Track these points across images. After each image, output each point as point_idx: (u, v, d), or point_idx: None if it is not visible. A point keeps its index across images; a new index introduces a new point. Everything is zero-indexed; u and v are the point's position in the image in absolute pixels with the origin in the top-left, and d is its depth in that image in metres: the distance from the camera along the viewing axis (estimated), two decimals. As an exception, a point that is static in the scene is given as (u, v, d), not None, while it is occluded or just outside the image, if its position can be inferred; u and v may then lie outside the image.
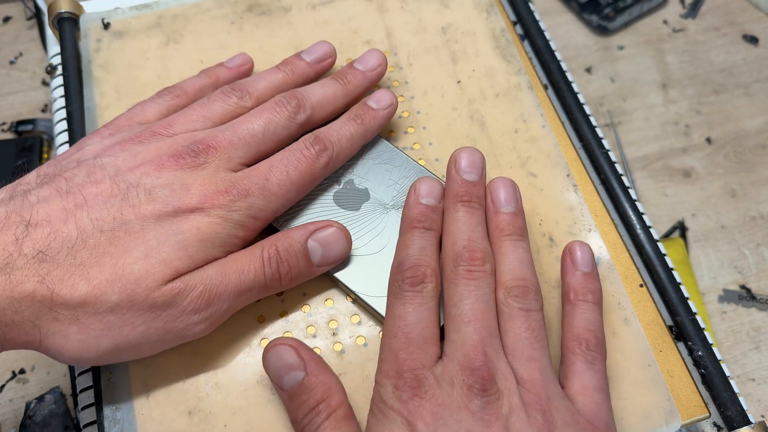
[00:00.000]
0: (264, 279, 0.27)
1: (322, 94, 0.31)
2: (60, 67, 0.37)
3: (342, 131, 0.31)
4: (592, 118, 0.37)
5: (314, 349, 0.29)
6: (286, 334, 0.29)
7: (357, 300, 0.30)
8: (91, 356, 0.25)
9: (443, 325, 0.27)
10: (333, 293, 0.30)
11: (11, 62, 0.55)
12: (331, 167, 0.30)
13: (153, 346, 0.26)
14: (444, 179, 0.33)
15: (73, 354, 0.24)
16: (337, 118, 0.32)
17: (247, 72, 0.35)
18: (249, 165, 0.29)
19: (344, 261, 0.30)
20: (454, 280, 0.27)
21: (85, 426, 0.28)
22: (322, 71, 0.34)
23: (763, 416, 0.42)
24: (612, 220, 0.33)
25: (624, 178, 0.35)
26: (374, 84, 0.34)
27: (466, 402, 0.24)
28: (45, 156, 0.54)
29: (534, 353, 0.26)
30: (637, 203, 0.34)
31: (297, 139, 0.30)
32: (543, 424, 0.24)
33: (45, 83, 0.54)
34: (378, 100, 0.32)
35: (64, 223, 0.25)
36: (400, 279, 0.27)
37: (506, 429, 0.24)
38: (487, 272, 0.27)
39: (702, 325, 0.31)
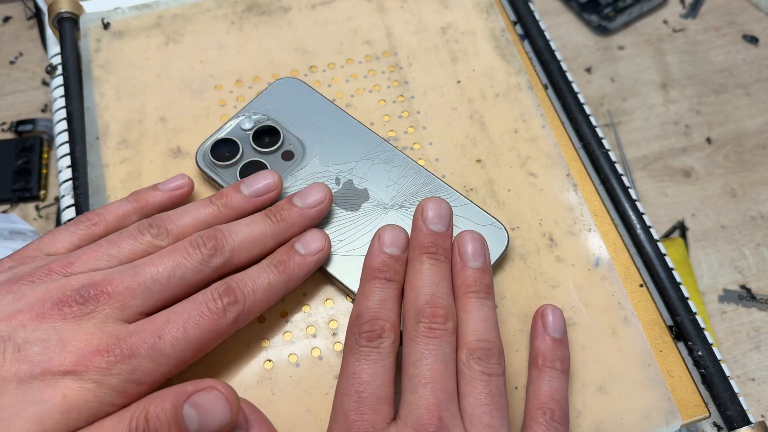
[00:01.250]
0: None
1: (247, 233, 0.28)
2: (60, 67, 0.37)
3: (259, 280, 0.27)
4: (592, 118, 0.37)
5: (314, 350, 0.29)
6: (286, 335, 0.29)
7: (357, 300, 0.30)
8: None
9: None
10: (333, 293, 0.30)
11: (11, 62, 0.55)
12: (241, 322, 0.26)
13: None
14: (444, 179, 0.33)
15: None
16: (258, 263, 0.28)
17: (183, 197, 0.31)
18: (149, 314, 0.26)
19: (344, 261, 0.30)
20: (414, 338, 0.25)
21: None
22: (261, 207, 0.30)
23: (763, 416, 0.42)
24: (612, 220, 0.33)
25: (624, 178, 0.35)
26: (313, 223, 0.30)
27: None
28: (45, 156, 0.54)
29: (493, 422, 0.24)
30: (637, 203, 0.34)
31: (210, 283, 0.27)
32: None
33: (45, 83, 0.54)
34: (307, 244, 0.29)
35: None
36: (357, 333, 0.26)
37: None
38: (449, 331, 0.26)
39: (702, 325, 0.31)
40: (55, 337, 0.24)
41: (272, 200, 0.30)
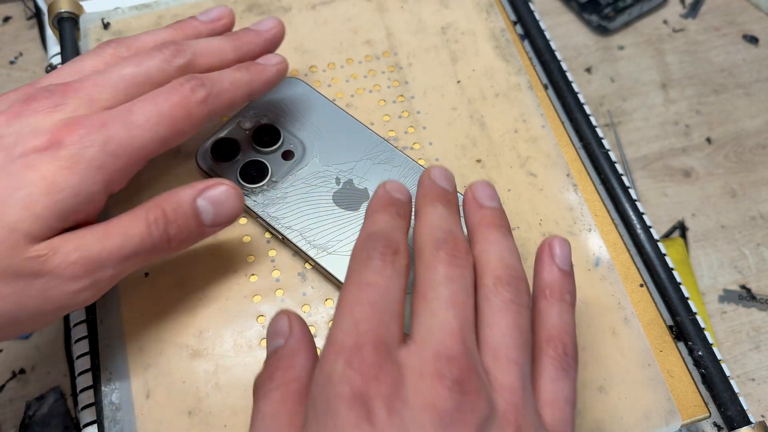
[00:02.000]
0: (151, 242, 0.25)
1: (206, 43, 0.29)
2: (60, 67, 0.37)
3: (224, 74, 0.28)
4: (592, 118, 0.37)
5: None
6: (286, 334, 0.29)
7: (357, 300, 0.30)
8: None
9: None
10: (333, 293, 0.30)
11: (11, 62, 0.55)
12: (211, 107, 0.27)
13: (33, 318, 0.24)
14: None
15: None
16: None
17: (224, 27, 0.31)
18: None
19: (344, 261, 0.30)
20: (434, 265, 0.23)
21: (85, 426, 0.28)
22: (216, 31, 0.31)
23: (763, 416, 0.42)
24: (612, 220, 0.33)
25: (624, 178, 0.35)
26: (270, 45, 0.31)
27: (435, 397, 0.20)
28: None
29: (519, 358, 0.22)
30: (637, 203, 0.34)
31: None
32: None
33: (45, 83, 0.54)
34: (266, 59, 0.30)
35: None
36: (370, 247, 0.23)
37: None
38: (471, 264, 0.24)
39: (702, 325, 0.31)
40: (27, 129, 0.24)
41: (227, 26, 0.31)
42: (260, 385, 0.23)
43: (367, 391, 0.19)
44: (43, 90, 0.25)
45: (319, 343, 0.29)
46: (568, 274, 0.26)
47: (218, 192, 0.26)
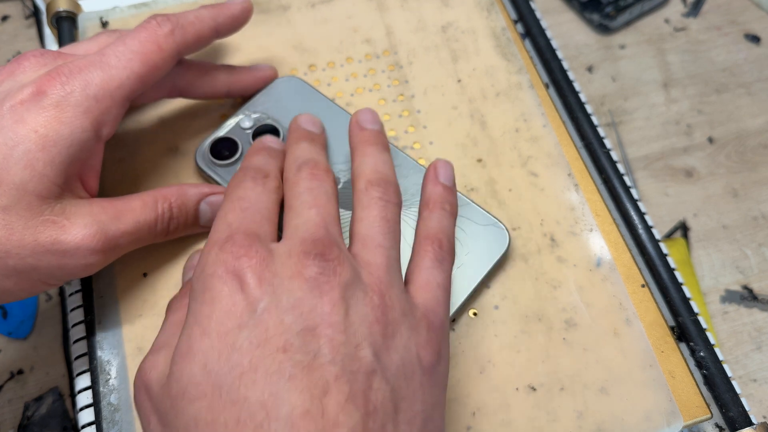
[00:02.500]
0: (155, 232, 0.28)
1: (188, 12, 0.30)
2: (58, 66, 0.37)
3: (188, 11, 0.30)
4: (593, 118, 0.36)
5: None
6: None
7: (357, 300, 0.30)
8: None
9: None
10: (332, 293, 0.30)
11: (9, 61, 0.55)
12: (179, 39, 0.28)
13: (44, 281, 0.26)
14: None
15: None
16: None
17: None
18: None
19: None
20: (296, 181, 0.26)
21: (84, 426, 0.28)
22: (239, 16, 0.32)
23: (765, 417, 0.41)
24: (613, 219, 0.33)
25: (625, 178, 0.35)
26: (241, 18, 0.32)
27: (300, 268, 0.22)
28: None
29: (384, 242, 0.25)
30: (638, 203, 0.34)
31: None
32: (379, 306, 0.22)
33: (44, 82, 0.54)
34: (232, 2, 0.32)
35: None
36: (241, 173, 0.26)
37: (342, 300, 0.22)
38: (331, 178, 0.26)
39: (704, 325, 0.31)
40: (16, 85, 0.25)
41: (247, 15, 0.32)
42: (171, 304, 0.26)
43: (238, 266, 0.22)
44: (33, 51, 0.27)
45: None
46: (449, 188, 0.29)
47: (220, 200, 0.29)
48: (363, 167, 0.28)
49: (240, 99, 0.35)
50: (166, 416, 0.21)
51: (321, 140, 0.30)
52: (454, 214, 0.28)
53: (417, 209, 0.31)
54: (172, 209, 0.28)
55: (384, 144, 0.29)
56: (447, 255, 0.26)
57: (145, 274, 0.30)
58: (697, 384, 0.29)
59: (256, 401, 0.19)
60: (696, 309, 0.31)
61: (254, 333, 0.20)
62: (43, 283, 0.26)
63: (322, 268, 0.22)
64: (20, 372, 0.41)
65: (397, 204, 0.26)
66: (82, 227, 0.25)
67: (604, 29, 0.57)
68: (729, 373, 0.30)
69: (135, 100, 0.29)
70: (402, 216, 0.31)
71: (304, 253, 0.22)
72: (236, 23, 0.32)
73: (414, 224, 0.31)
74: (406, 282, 0.25)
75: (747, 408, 0.30)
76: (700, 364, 0.30)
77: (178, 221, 0.29)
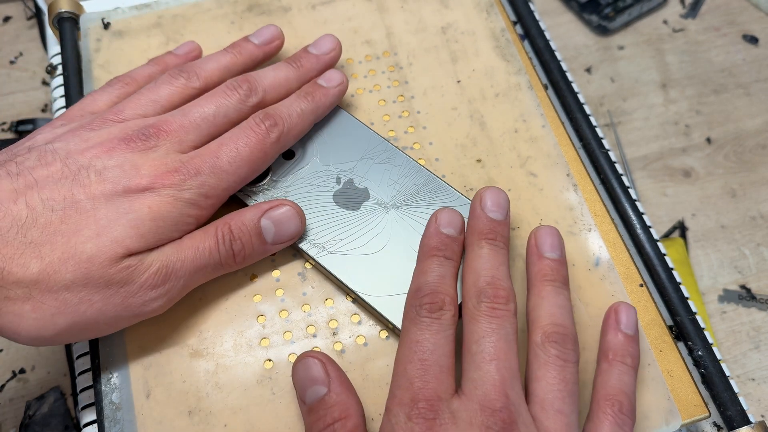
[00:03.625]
0: (219, 257, 0.28)
1: (274, 77, 0.32)
2: (60, 67, 0.37)
3: (292, 107, 0.31)
4: (592, 118, 0.37)
5: (314, 349, 0.29)
6: (286, 335, 0.29)
7: (357, 300, 0.30)
8: (48, 334, 0.25)
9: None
10: (333, 293, 0.30)
11: (11, 62, 0.55)
12: (283, 143, 0.30)
13: (110, 323, 0.26)
14: (444, 178, 0.33)
15: (30, 333, 0.25)
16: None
17: (196, 59, 0.34)
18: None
19: (345, 260, 0.30)
20: (476, 317, 0.26)
21: (86, 425, 0.28)
22: (270, 53, 0.34)
23: (762, 416, 0.42)
24: (612, 219, 0.33)
25: (624, 178, 0.35)
26: (328, 68, 0.34)
27: None
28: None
29: (564, 407, 0.25)
30: (637, 203, 0.34)
31: None
32: None
33: (45, 83, 0.54)
34: (328, 80, 0.33)
35: (14, 203, 0.25)
36: (417, 304, 0.26)
37: None
38: (511, 312, 0.26)
39: (702, 324, 0.31)
40: (128, 164, 0.27)
41: (279, 48, 0.34)
42: None
43: None
44: (139, 133, 0.28)
45: (320, 342, 0.29)
46: (632, 338, 0.28)
47: (280, 212, 0.29)
48: (539, 312, 0.27)
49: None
50: None
51: (505, 237, 0.29)
52: (635, 368, 0.28)
53: (417, 209, 0.31)
54: (232, 231, 0.28)
55: (563, 279, 0.28)
56: (628, 418, 0.26)
57: (146, 274, 0.30)
58: (695, 383, 0.30)
59: None
60: (694, 308, 0.32)
61: None
62: (109, 326, 0.27)
63: None
64: (22, 371, 0.41)
65: (575, 362, 0.26)
66: (147, 265, 0.26)
67: (602, 30, 0.57)
68: (727, 372, 0.30)
69: None
70: (402, 216, 0.31)
71: (485, 428, 0.23)
72: (333, 107, 0.33)
73: (414, 224, 0.31)
74: None
75: (745, 407, 0.30)
76: (698, 363, 0.31)
77: (242, 241, 0.28)
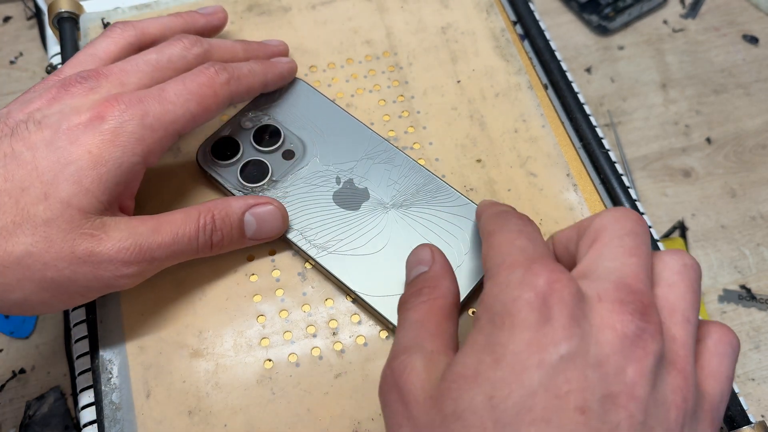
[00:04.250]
0: (197, 245, 0.28)
1: (220, 41, 0.32)
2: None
3: (241, 64, 0.31)
4: (592, 118, 0.37)
5: (314, 349, 0.29)
6: (286, 334, 0.29)
7: (357, 300, 0.30)
8: (16, 297, 0.25)
9: None
10: (333, 293, 0.30)
11: (11, 62, 0.55)
12: (233, 89, 0.30)
13: (81, 293, 0.26)
14: (444, 178, 0.33)
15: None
16: None
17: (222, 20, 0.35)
18: None
19: (344, 261, 0.30)
20: (617, 217, 0.23)
21: (85, 425, 0.28)
22: (213, 23, 0.34)
23: (763, 416, 0.42)
24: (612, 219, 0.33)
25: (624, 178, 0.35)
26: (276, 56, 0.34)
27: (615, 319, 0.20)
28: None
29: (692, 317, 0.22)
30: (637, 203, 0.34)
31: None
32: (681, 390, 0.20)
33: (45, 83, 0.54)
34: (278, 59, 0.34)
35: None
36: (505, 216, 0.26)
37: (651, 373, 0.19)
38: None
39: (702, 324, 0.31)
40: (68, 108, 0.26)
41: (222, 20, 0.35)
42: (405, 300, 0.26)
43: (550, 294, 0.20)
44: (76, 76, 0.27)
45: (320, 342, 0.29)
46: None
47: (265, 210, 0.29)
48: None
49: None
50: (426, 428, 0.20)
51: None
52: None
53: (417, 209, 0.31)
54: (215, 221, 0.28)
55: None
56: (737, 346, 0.23)
57: (146, 274, 0.30)
58: (694, 383, 0.30)
59: None
60: (694, 308, 0.32)
61: (554, 380, 0.19)
62: (81, 296, 0.26)
63: (641, 329, 0.20)
64: (22, 371, 0.41)
65: (700, 280, 0.24)
66: (118, 240, 0.26)
67: (602, 30, 0.57)
68: (727, 372, 0.30)
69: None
70: (402, 216, 0.31)
71: (620, 303, 0.20)
72: (282, 81, 0.34)
73: (414, 225, 0.31)
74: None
75: (745, 407, 0.30)
76: (698, 363, 0.31)
77: (222, 233, 0.28)
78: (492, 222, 0.26)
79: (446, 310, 0.25)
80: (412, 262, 0.28)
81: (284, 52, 0.35)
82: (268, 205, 0.29)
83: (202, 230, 0.28)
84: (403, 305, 0.26)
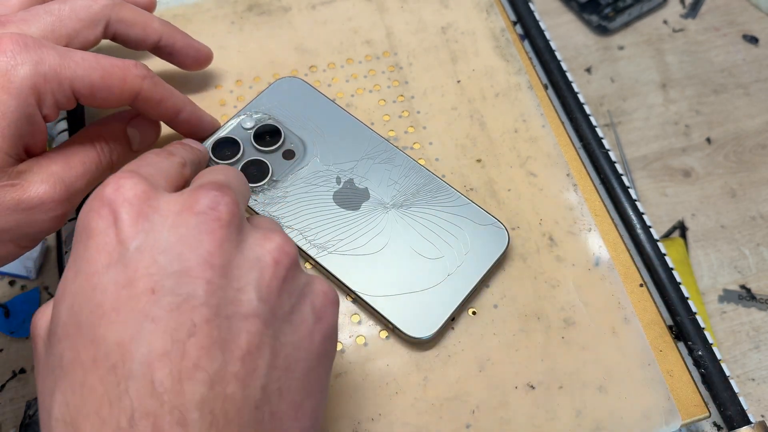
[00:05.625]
0: (102, 168, 0.28)
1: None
2: (60, 67, 0.37)
3: (164, 84, 0.30)
4: (592, 118, 0.37)
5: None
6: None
7: (357, 300, 0.30)
8: None
9: None
10: (333, 293, 0.30)
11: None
12: (145, 89, 0.28)
13: (19, 241, 0.26)
14: (444, 178, 0.33)
15: None
16: None
17: None
18: None
19: (344, 261, 0.30)
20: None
21: (86, 425, 0.28)
22: None
23: (763, 416, 0.42)
24: (612, 219, 0.33)
25: (624, 178, 0.35)
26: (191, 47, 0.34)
27: (191, 202, 0.21)
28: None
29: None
30: (637, 203, 0.34)
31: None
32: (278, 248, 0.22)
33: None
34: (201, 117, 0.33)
35: None
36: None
37: (231, 241, 0.20)
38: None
39: (702, 324, 0.31)
40: None
41: None
42: None
43: (114, 199, 0.20)
44: None
45: (320, 342, 0.29)
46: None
47: (142, 121, 0.30)
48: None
49: (241, 99, 0.35)
50: (41, 358, 0.21)
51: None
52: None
53: (417, 209, 0.31)
54: (109, 143, 0.28)
55: None
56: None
57: (146, 274, 0.30)
58: (695, 383, 0.30)
59: (113, 342, 0.18)
60: (694, 308, 0.32)
61: (121, 274, 0.19)
62: (17, 245, 0.26)
63: (215, 201, 0.20)
64: (22, 371, 0.41)
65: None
66: (41, 183, 0.26)
67: (602, 30, 0.57)
68: (727, 372, 0.30)
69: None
70: (402, 216, 0.31)
71: (198, 187, 0.21)
72: (200, 125, 0.32)
73: (414, 225, 0.31)
74: None
75: (745, 407, 0.30)
76: (698, 363, 0.31)
77: (117, 151, 0.29)
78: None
79: None
80: None
81: (208, 55, 0.34)
82: (139, 117, 0.30)
83: (102, 153, 0.28)
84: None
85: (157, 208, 0.21)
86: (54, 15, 0.28)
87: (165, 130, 0.32)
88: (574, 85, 0.38)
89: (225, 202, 0.21)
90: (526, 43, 0.40)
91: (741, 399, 0.30)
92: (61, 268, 0.42)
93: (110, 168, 0.29)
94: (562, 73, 0.38)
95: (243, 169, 0.32)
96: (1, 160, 0.25)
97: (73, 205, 0.27)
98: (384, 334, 0.30)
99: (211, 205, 0.20)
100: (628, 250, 0.33)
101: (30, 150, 0.27)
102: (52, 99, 0.26)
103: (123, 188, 0.21)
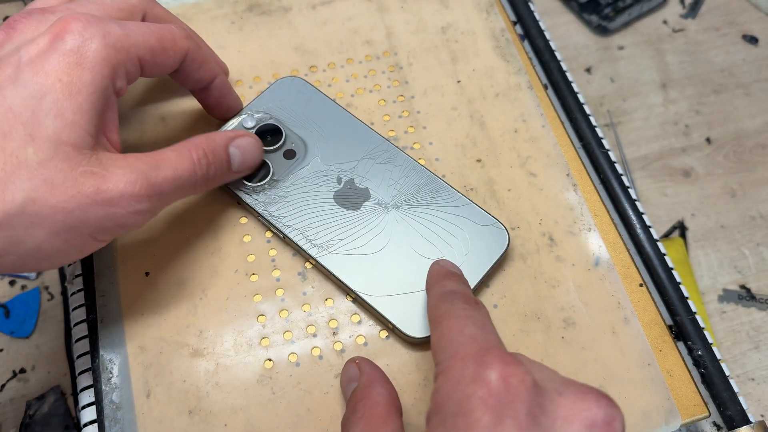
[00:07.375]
0: (196, 179, 0.28)
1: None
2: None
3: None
4: (591, 118, 0.37)
5: (314, 349, 0.29)
6: (287, 334, 0.29)
7: (357, 300, 0.30)
8: (28, 247, 0.24)
9: None
10: (333, 293, 0.30)
11: None
12: (192, 48, 0.29)
13: (95, 234, 0.25)
14: (444, 178, 0.33)
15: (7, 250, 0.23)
16: None
17: None
18: None
19: (344, 261, 0.30)
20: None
21: (86, 425, 0.28)
22: None
23: (762, 416, 0.42)
24: (612, 219, 0.33)
25: (624, 178, 0.35)
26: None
27: (581, 408, 0.20)
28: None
29: None
30: (636, 203, 0.34)
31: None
32: None
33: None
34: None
35: None
36: (450, 299, 0.26)
37: None
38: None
39: (702, 324, 0.31)
40: (23, 42, 0.25)
41: None
42: (345, 421, 0.25)
43: (504, 391, 0.19)
44: (21, 13, 0.26)
45: (320, 342, 0.29)
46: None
47: (246, 142, 0.30)
48: None
49: (242, 99, 0.35)
50: None
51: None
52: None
53: (417, 209, 0.31)
54: (207, 156, 0.28)
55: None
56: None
57: (147, 273, 0.30)
58: (695, 383, 0.30)
59: None
60: (694, 308, 0.32)
61: None
62: (94, 239, 0.25)
63: (611, 416, 0.19)
64: (22, 371, 0.41)
65: None
66: (123, 175, 0.25)
67: (602, 30, 0.57)
68: (727, 372, 0.30)
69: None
70: (402, 216, 0.31)
71: (582, 392, 0.20)
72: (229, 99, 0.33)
73: (414, 225, 0.31)
74: None
75: (745, 406, 0.30)
76: (698, 363, 0.31)
77: (216, 166, 0.28)
78: (438, 307, 0.25)
79: (383, 417, 0.24)
80: (344, 382, 0.28)
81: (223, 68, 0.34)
82: (247, 137, 0.30)
83: (198, 164, 0.27)
84: (344, 426, 0.25)
85: (546, 410, 0.19)
86: (97, 4, 0.28)
87: (170, 125, 0.32)
88: (574, 85, 0.38)
89: (620, 420, 0.20)
90: (526, 43, 0.40)
91: (741, 399, 0.30)
92: (61, 268, 0.42)
93: (205, 183, 0.28)
94: (562, 73, 0.38)
95: (243, 169, 0.32)
96: (81, 139, 0.24)
97: (156, 206, 0.26)
98: (384, 334, 0.30)
99: (607, 419, 0.19)
100: (628, 250, 0.33)
101: (106, 131, 0.26)
102: (123, 70, 0.26)
103: (514, 379, 0.19)
